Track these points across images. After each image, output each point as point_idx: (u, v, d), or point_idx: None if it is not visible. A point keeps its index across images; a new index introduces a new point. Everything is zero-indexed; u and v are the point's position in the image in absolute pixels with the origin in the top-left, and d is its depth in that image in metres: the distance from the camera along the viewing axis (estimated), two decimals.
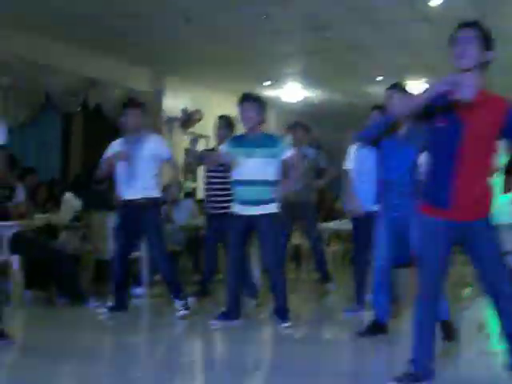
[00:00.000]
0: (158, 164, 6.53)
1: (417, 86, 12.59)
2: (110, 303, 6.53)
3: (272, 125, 13.39)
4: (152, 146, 6.52)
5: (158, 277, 8.11)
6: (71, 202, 8.52)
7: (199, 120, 7.48)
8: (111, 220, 7.73)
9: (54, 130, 11.02)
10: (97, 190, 8.83)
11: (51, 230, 8.10)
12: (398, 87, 5.60)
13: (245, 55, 11.52)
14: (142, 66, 12.17)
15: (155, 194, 6.48)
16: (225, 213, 6.65)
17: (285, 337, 5.69)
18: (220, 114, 9.90)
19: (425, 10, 8.86)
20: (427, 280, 3.81)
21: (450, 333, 5.31)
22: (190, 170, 9.04)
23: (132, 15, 9.17)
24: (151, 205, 6.41)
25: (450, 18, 8.12)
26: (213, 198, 7.28)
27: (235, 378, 4.43)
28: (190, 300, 6.68)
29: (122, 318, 6.63)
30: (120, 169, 6.47)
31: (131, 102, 6.94)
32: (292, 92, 14.04)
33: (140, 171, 6.39)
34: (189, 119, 9.46)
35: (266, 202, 5.86)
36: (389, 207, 5.32)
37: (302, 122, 8.43)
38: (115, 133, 11.23)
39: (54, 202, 8.82)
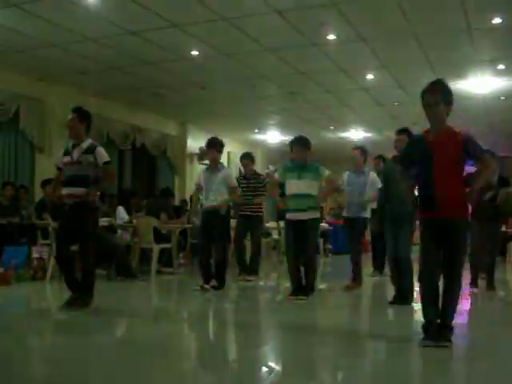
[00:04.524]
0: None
1: (357, 134, 14.57)
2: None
3: (259, 158, 14.07)
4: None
5: None
6: (122, 212, 9.32)
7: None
8: (153, 221, 8.64)
9: (112, 160, 11.12)
10: (139, 201, 9.91)
11: (112, 228, 8.87)
12: (407, 132, 5.87)
13: (242, 112, 12.76)
14: (172, 119, 13.36)
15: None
16: None
17: None
18: (225, 152, 10.95)
19: (362, 82, 10.18)
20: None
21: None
22: None
23: (165, 86, 10.59)
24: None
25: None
26: None
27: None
28: None
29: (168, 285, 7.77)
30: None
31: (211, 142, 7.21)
32: (273, 137, 15.19)
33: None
34: (203, 154, 10.73)
35: None
36: None
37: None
38: (154, 164, 13.11)
39: (112, 209, 9.59)
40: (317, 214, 6.46)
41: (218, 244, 7.03)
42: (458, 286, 4.10)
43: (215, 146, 7.18)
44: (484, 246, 7.24)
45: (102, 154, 5.59)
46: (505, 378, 3.59)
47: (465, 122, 11.46)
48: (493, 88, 10.29)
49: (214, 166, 7.19)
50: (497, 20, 7.18)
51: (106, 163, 5.58)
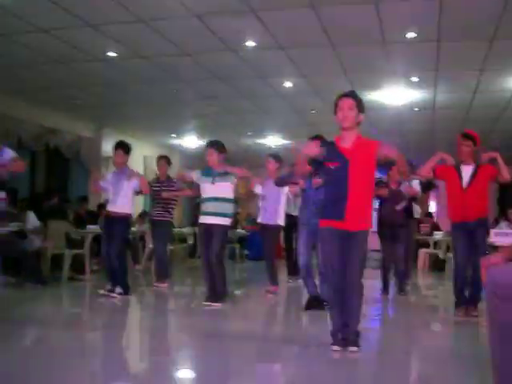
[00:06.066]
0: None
1: (274, 141, 14.63)
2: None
3: (175, 163, 13.43)
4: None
5: None
6: (32, 217, 8.80)
7: None
8: (64, 226, 8.74)
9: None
10: (52, 205, 9.74)
11: (22, 233, 8.46)
12: (320, 138, 5.76)
13: (158, 116, 12.55)
14: (87, 121, 13.00)
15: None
16: None
17: None
18: (141, 156, 10.93)
19: (280, 89, 10.11)
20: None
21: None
22: None
23: (80, 86, 10.20)
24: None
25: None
26: None
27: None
28: None
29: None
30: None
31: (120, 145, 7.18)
32: (190, 141, 15.09)
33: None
34: None
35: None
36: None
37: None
38: (67, 166, 12.86)
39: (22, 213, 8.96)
40: (226, 221, 6.45)
41: (114, 250, 6.95)
42: (360, 292, 4.16)
43: (122, 148, 7.14)
44: (395, 253, 7.45)
45: (9, 152, 5.39)
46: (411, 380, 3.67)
47: (379, 132, 11.92)
48: (407, 100, 10.55)
49: (121, 170, 7.15)
50: (411, 34, 7.38)
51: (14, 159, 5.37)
